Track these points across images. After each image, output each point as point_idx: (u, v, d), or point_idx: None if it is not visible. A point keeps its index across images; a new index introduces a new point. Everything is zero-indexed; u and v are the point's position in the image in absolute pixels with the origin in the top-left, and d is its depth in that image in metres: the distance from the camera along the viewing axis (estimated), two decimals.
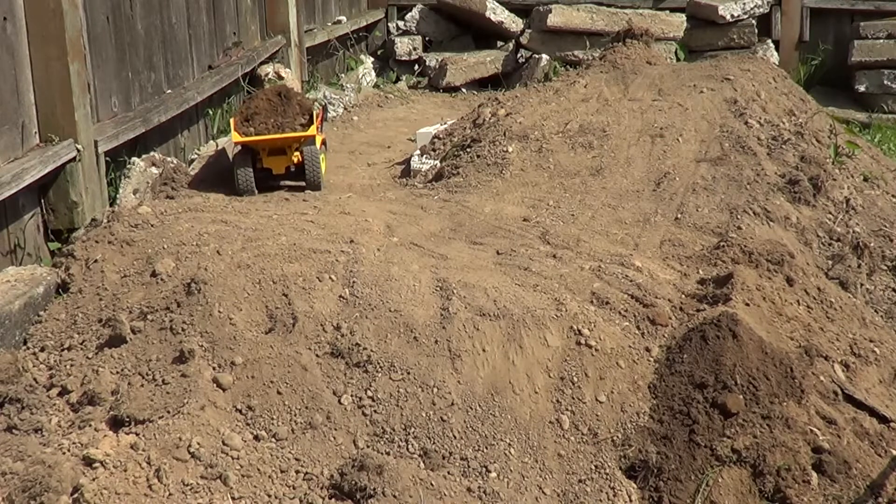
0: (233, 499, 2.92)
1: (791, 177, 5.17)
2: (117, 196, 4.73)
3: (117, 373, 3.29)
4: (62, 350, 3.47)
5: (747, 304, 3.74)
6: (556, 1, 10.16)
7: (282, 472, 3.05)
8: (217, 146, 6.02)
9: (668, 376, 3.48)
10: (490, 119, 6.20)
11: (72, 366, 3.36)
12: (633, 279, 3.94)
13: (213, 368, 3.29)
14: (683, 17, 9.96)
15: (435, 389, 3.30)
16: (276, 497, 2.97)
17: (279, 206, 4.82)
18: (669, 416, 3.37)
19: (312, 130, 5.35)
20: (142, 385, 3.22)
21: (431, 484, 3.07)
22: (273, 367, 3.30)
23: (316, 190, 5.44)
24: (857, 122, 8.58)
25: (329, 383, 3.30)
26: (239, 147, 5.44)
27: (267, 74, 7.27)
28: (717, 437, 3.30)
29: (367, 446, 3.17)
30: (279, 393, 3.25)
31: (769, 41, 10.01)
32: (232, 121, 5.37)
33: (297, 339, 3.40)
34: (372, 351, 3.37)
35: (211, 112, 6.37)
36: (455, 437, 3.22)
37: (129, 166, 4.88)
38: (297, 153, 5.44)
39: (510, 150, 5.58)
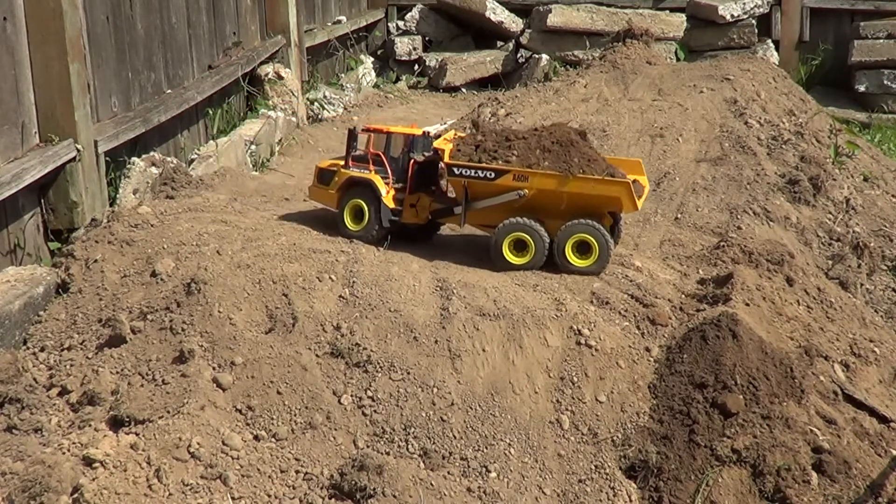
0: (233, 499, 2.92)
1: (791, 177, 5.17)
2: (117, 196, 4.72)
3: (117, 373, 3.29)
4: (62, 350, 3.47)
5: (747, 304, 3.74)
6: (556, 1, 10.16)
7: (282, 472, 3.05)
8: (217, 146, 5.96)
9: (668, 376, 3.48)
10: (490, 119, 6.19)
11: (72, 366, 3.36)
12: (633, 279, 3.94)
13: (213, 368, 3.29)
14: (683, 17, 9.96)
15: (435, 389, 3.30)
16: (276, 497, 2.97)
17: (279, 205, 4.82)
18: (669, 416, 3.37)
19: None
20: (142, 385, 3.22)
21: (431, 484, 3.07)
22: (273, 367, 3.30)
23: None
24: (857, 122, 8.59)
25: (329, 383, 3.30)
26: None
27: (267, 74, 7.27)
28: (717, 437, 3.30)
29: (367, 446, 3.17)
30: (279, 393, 3.24)
31: (769, 41, 10.01)
32: (627, 186, 3.83)
33: (297, 339, 3.40)
34: (372, 351, 3.37)
35: (211, 112, 6.37)
36: (455, 437, 3.22)
37: (129, 166, 4.87)
38: None
39: None
